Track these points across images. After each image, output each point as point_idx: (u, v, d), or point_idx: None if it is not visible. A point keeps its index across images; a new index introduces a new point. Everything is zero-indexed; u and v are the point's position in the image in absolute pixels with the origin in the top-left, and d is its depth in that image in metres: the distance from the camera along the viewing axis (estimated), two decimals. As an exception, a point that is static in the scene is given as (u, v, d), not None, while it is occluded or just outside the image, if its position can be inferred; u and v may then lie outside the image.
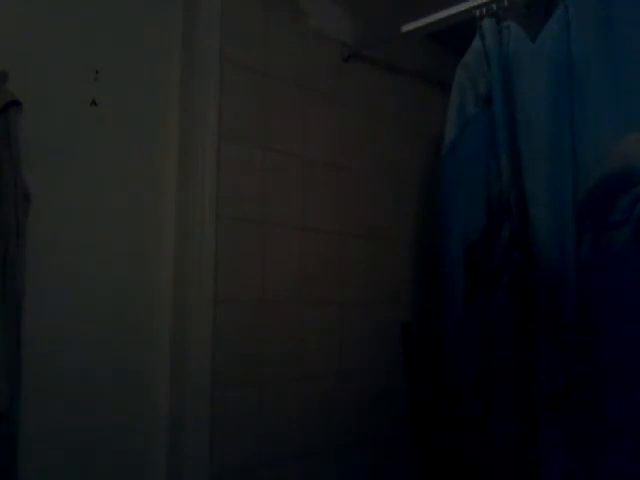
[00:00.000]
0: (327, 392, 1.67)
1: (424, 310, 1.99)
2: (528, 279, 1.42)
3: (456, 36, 1.63)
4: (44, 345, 1.21)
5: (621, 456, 1.26)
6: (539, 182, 1.40)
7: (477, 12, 1.53)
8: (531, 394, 1.39)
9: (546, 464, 1.34)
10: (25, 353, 1.12)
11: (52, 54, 1.27)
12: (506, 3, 1.49)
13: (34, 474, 1.17)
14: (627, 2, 1.33)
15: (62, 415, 1.24)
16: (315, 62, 1.73)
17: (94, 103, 1.32)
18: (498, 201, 1.48)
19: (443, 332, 1.59)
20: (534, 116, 1.41)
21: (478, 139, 1.53)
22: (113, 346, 1.33)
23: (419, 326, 1.97)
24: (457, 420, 1.56)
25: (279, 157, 1.60)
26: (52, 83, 1.26)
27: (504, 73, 1.48)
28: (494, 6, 1.51)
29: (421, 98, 2.08)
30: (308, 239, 1.66)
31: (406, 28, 1.68)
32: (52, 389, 1.22)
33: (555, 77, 1.40)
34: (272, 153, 1.59)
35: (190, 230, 1.41)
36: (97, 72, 1.33)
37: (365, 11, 1.89)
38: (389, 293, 1.91)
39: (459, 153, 1.55)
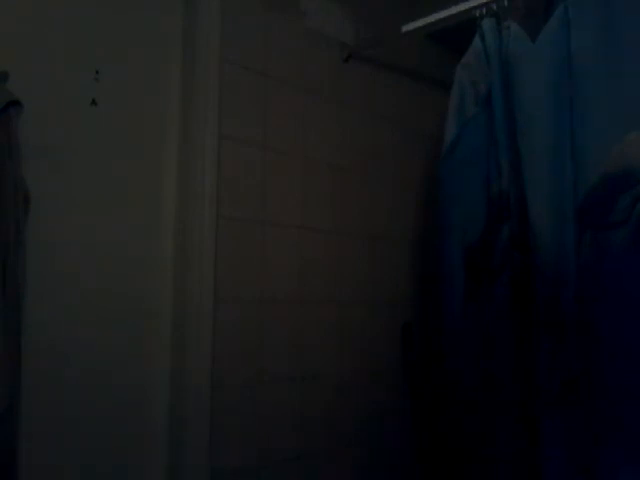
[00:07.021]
0: (327, 392, 1.68)
1: (424, 310, 1.98)
2: (528, 279, 1.42)
3: (456, 36, 1.63)
4: (44, 345, 1.21)
5: (620, 454, 1.26)
6: (539, 182, 1.40)
7: (477, 12, 1.53)
8: (531, 394, 1.40)
9: (546, 461, 1.34)
10: (25, 353, 1.12)
11: (52, 54, 1.27)
12: (506, 3, 1.49)
13: (34, 474, 1.17)
14: (627, 2, 1.33)
15: (62, 415, 1.24)
16: (315, 62, 1.73)
17: (94, 103, 1.33)
18: (498, 201, 1.48)
19: (443, 332, 1.59)
20: (534, 116, 1.41)
21: (478, 139, 1.53)
22: (113, 346, 1.33)
23: (419, 326, 1.97)
24: (457, 419, 1.56)
25: (279, 157, 1.60)
26: (52, 83, 1.26)
27: (504, 73, 1.48)
28: (494, 6, 1.51)
29: (421, 98, 2.08)
30: (308, 239, 1.66)
31: (406, 28, 1.68)
32: (52, 389, 1.22)
33: (555, 77, 1.40)
34: (272, 153, 1.59)
35: (190, 230, 1.41)
36: (97, 72, 1.33)
37: (365, 11, 1.89)
38: (389, 293, 1.91)
39: (459, 153, 1.55)
